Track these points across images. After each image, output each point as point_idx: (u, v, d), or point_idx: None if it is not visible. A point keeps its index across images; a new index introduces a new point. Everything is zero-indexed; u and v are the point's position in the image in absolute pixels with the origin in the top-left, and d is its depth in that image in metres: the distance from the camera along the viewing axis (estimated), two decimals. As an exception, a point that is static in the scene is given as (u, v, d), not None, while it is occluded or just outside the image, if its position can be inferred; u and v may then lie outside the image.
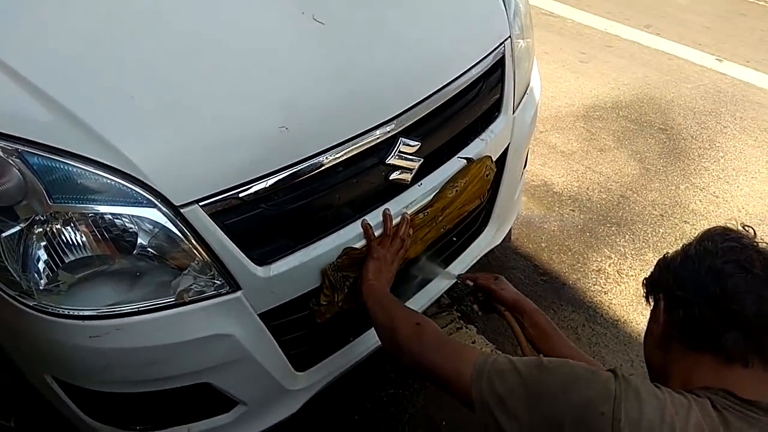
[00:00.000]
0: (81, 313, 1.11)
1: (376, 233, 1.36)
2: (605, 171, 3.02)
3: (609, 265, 2.45)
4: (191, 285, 1.16)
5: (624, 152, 3.17)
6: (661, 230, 2.64)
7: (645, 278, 1.07)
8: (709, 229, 1.00)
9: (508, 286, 1.46)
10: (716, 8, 5.16)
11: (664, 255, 1.04)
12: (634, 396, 0.85)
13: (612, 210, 2.75)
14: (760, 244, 0.95)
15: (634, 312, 2.23)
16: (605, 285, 2.35)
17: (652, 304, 1.04)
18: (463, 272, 1.70)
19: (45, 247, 1.09)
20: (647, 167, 3.06)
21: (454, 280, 1.67)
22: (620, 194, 2.86)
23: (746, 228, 0.99)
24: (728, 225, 1.01)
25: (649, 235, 2.61)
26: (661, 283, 1.01)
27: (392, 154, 1.33)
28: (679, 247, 1.02)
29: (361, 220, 1.34)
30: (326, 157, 1.22)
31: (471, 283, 1.52)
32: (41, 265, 1.10)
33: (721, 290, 0.90)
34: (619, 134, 3.32)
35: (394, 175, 1.36)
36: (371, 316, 1.25)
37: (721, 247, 0.94)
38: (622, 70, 4.02)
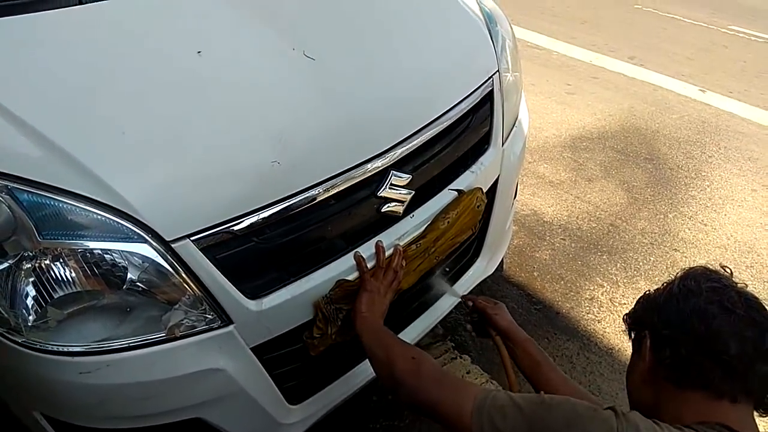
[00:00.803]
0: (70, 349, 1.10)
1: (369, 265, 1.36)
2: (594, 200, 3.05)
3: (602, 294, 2.45)
4: (182, 320, 1.15)
5: (612, 182, 3.21)
6: (651, 258, 2.66)
7: (626, 314, 1.10)
8: (691, 269, 1.03)
9: (505, 313, 1.47)
10: (699, 40, 5.30)
11: (646, 293, 1.08)
12: None
13: (602, 238, 2.77)
14: (738, 284, 0.99)
15: (629, 340, 2.22)
16: (598, 313, 2.35)
17: (633, 338, 1.06)
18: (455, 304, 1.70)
19: (33, 283, 1.08)
20: (635, 196, 3.09)
21: (457, 300, 1.67)
22: (610, 223, 2.88)
23: (725, 269, 1.03)
24: (707, 265, 1.05)
25: (641, 264, 2.63)
26: (645, 320, 1.04)
27: (384, 187, 1.35)
28: (661, 285, 1.05)
29: (353, 252, 1.34)
30: (318, 191, 1.23)
31: (471, 304, 1.52)
32: (29, 302, 1.09)
33: (706, 330, 0.93)
34: (606, 164, 3.36)
35: (386, 208, 1.37)
36: (366, 350, 1.24)
37: (704, 287, 0.97)
38: (607, 101, 4.09)
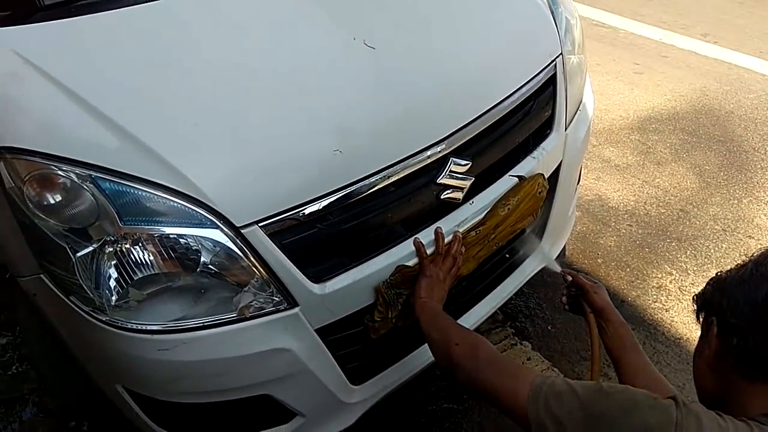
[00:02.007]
0: (149, 327, 1.18)
1: (429, 251, 1.38)
2: (663, 185, 2.94)
3: (670, 282, 2.38)
4: (251, 301, 1.21)
5: (682, 165, 3.09)
6: (724, 245, 2.55)
7: (696, 294, 1.05)
8: (765, 252, 0.97)
9: (604, 293, 1.41)
10: (779, 14, 4.97)
11: (717, 274, 1.02)
12: (696, 423, 0.83)
13: (671, 225, 2.68)
14: None
15: (697, 330, 2.15)
16: (666, 302, 2.29)
17: (701, 320, 1.02)
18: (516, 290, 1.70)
19: (115, 265, 1.16)
20: (707, 181, 2.96)
21: (523, 282, 1.69)
22: (680, 208, 2.78)
23: None
24: None
25: (712, 251, 2.53)
26: (713, 305, 0.99)
27: (443, 173, 1.36)
28: (733, 267, 0.99)
29: (413, 238, 1.36)
30: (379, 178, 1.26)
31: (570, 279, 1.47)
32: (112, 283, 1.17)
33: None
34: (677, 147, 3.23)
35: (445, 194, 1.38)
36: (425, 334, 1.27)
37: None
38: (678, 80, 3.92)
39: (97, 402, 1.53)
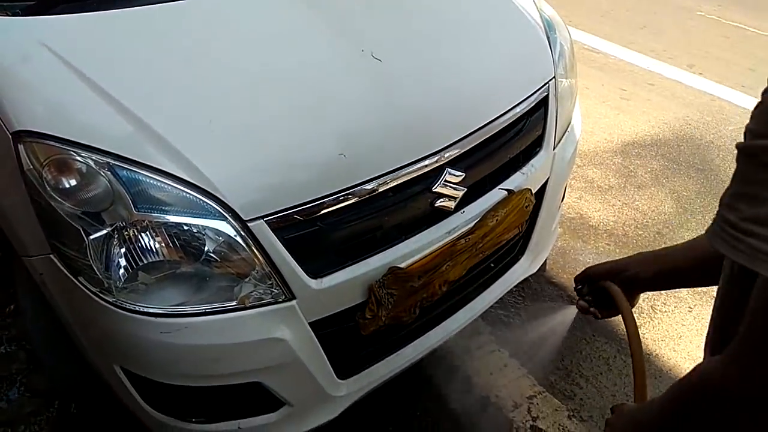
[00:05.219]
0: (154, 310, 1.24)
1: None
2: (642, 207, 3.06)
3: (643, 300, 2.49)
4: (251, 291, 1.28)
5: (661, 190, 3.21)
6: (695, 269, 2.66)
7: None
8: None
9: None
10: (763, 50, 5.16)
11: None
12: None
13: (648, 246, 2.79)
14: None
15: (666, 347, 2.26)
16: (638, 319, 2.35)
17: None
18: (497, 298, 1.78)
19: (126, 249, 1.22)
20: (684, 206, 3.09)
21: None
22: (656, 231, 2.90)
23: None
24: None
25: (684, 273, 2.64)
26: None
27: (438, 182, 1.44)
28: None
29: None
30: (379, 183, 1.34)
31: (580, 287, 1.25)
32: (122, 266, 1.23)
33: None
34: (657, 172, 3.36)
35: (439, 202, 1.47)
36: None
37: None
38: (663, 108, 4.06)
39: (88, 383, 1.59)
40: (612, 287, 1.14)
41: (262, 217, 1.23)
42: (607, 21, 5.67)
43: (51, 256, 1.30)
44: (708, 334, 0.85)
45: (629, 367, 2.16)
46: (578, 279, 1.25)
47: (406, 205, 1.43)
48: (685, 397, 0.74)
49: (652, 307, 2.45)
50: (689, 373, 0.72)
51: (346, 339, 1.47)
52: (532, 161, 1.72)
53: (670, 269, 1.08)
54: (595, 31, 5.27)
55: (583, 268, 1.23)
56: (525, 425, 1.86)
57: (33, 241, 1.32)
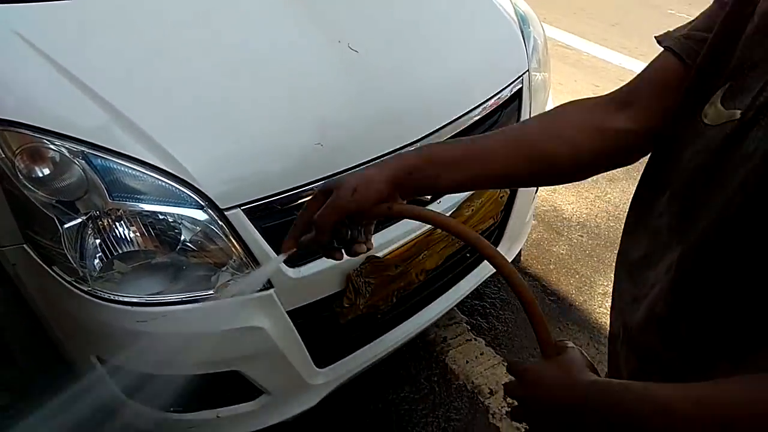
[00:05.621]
0: (130, 299, 1.24)
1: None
2: (614, 200, 3.13)
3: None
4: (229, 280, 1.28)
5: (633, 183, 3.23)
6: (665, 259, 2.73)
7: None
8: None
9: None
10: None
11: None
12: None
13: (619, 237, 2.84)
14: None
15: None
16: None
17: None
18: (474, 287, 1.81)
19: (101, 238, 1.22)
20: (655, 199, 3.16)
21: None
22: (628, 223, 2.96)
23: None
24: None
25: (654, 264, 2.70)
26: None
27: (414, 172, 1.46)
28: None
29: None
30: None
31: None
32: (97, 255, 1.23)
33: None
34: (629, 166, 3.42)
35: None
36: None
37: None
38: (635, 104, 4.13)
39: (61, 375, 1.57)
40: (405, 209, 0.79)
41: (239, 206, 1.23)
42: (581, 18, 5.75)
43: (24, 246, 1.28)
44: (616, 310, 0.74)
45: (602, 354, 2.22)
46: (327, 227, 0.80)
47: (382, 194, 1.44)
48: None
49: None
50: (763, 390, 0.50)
51: (324, 328, 1.48)
52: (507, 152, 1.74)
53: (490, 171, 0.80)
54: (569, 28, 5.35)
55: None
56: (500, 411, 1.89)
57: (5, 231, 1.30)
